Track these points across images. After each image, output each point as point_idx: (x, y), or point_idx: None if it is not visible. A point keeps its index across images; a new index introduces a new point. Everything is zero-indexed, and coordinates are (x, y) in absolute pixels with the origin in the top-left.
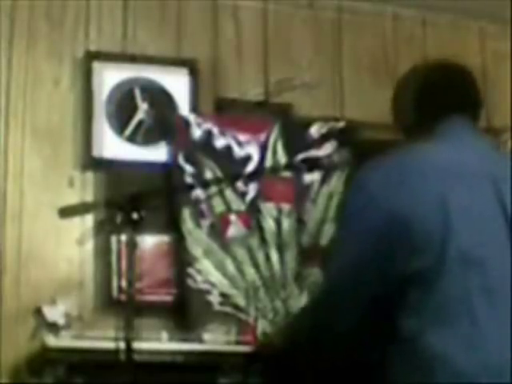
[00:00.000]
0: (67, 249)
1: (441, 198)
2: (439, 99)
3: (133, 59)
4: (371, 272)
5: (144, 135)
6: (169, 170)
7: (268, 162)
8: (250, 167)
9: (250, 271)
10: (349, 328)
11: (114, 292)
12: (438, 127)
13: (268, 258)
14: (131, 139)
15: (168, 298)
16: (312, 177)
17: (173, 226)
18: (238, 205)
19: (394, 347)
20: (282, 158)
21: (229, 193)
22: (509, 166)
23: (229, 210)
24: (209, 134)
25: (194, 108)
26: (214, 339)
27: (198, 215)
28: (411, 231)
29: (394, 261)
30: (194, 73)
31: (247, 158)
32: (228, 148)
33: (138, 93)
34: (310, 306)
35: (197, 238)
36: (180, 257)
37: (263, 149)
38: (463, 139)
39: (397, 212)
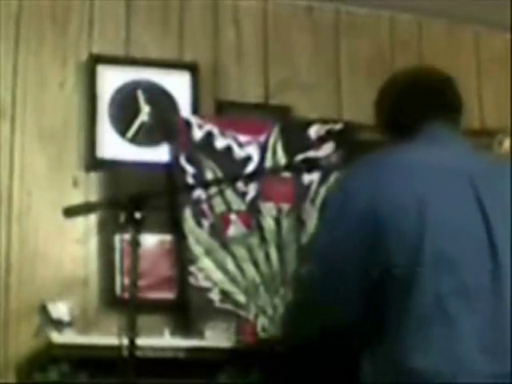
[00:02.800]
0: (71, 247)
1: (418, 198)
2: (419, 104)
3: (135, 62)
4: (350, 271)
5: (146, 136)
6: (170, 170)
7: (268, 163)
8: (250, 168)
9: (250, 269)
10: (337, 326)
11: (118, 290)
12: (418, 130)
13: (268, 256)
14: (134, 140)
15: (170, 296)
16: (311, 177)
17: (174, 225)
18: (238, 205)
19: (374, 346)
20: (282, 159)
21: (229, 193)
22: (489, 167)
23: (229, 209)
24: (209, 135)
25: (195, 110)
26: (215, 335)
27: (199, 215)
28: (387, 231)
29: (371, 260)
30: (195, 75)
31: (247, 159)
32: (228, 149)
33: (140, 95)
34: (296, 302)
35: (198, 237)
36: (182, 255)
37: (263, 149)
38: (441, 141)
39: (373, 211)
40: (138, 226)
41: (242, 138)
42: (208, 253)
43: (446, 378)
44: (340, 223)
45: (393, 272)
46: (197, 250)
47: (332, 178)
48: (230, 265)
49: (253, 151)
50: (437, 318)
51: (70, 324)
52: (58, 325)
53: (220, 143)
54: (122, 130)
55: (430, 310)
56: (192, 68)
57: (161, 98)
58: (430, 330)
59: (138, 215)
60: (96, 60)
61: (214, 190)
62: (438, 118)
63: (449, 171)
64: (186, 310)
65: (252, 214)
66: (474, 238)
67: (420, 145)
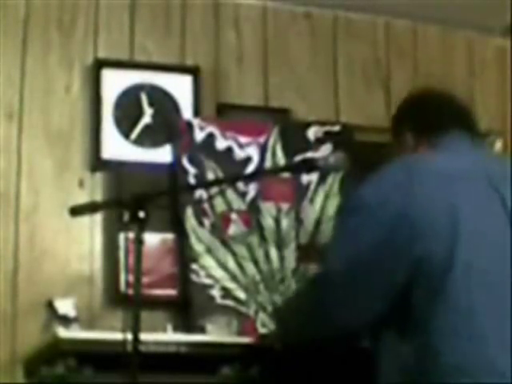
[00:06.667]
0: (77, 246)
1: (449, 206)
2: (438, 117)
3: (139, 66)
4: (376, 275)
5: (150, 138)
6: (173, 170)
7: (268, 163)
8: (251, 168)
9: (251, 267)
10: (360, 323)
11: (122, 287)
12: (438, 140)
13: (267, 254)
14: (138, 142)
15: (173, 292)
16: (309, 177)
17: (177, 224)
18: (238, 204)
19: (398, 348)
20: (281, 160)
21: (230, 193)
22: (505, 168)
23: (230, 209)
24: (211, 137)
25: (197, 112)
26: (217, 331)
27: (201, 214)
28: (419, 237)
29: (400, 265)
30: (196, 79)
31: (248, 159)
32: (229, 150)
33: (144, 98)
34: (314, 299)
35: (199, 235)
36: (184, 253)
37: (263, 150)
38: (462, 149)
39: (406, 217)
40: (142, 225)
41: (243, 140)
42: (209, 251)
43: (472, 378)
44: (370, 225)
45: (424, 277)
46: (198, 248)
47: (331, 178)
48: (231, 263)
49: (253, 152)
50: (468, 320)
51: (75, 320)
52: (65, 320)
53: (221, 144)
54: (126, 132)
55: (461, 311)
56: (193, 71)
57: (163, 101)
58: (460, 331)
59: (141, 214)
60: (101, 64)
61: (214, 189)
62: (455, 128)
63: (473, 177)
64: (188, 307)
65: (252, 213)
66: (504, 243)
67: (440, 152)
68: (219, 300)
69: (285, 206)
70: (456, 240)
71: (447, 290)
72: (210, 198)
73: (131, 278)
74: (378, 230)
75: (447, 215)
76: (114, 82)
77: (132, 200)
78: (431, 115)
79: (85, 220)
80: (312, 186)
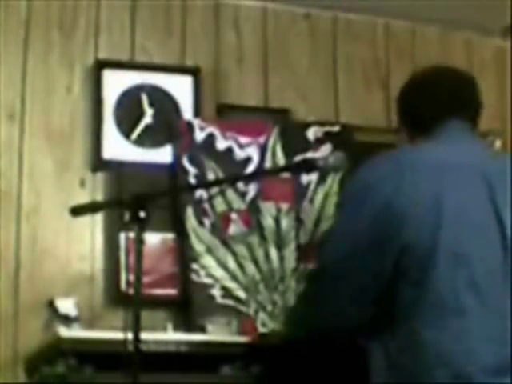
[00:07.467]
0: (78, 245)
1: (435, 196)
2: (436, 102)
3: (140, 67)
4: (366, 261)
5: (150, 138)
6: (173, 171)
7: (267, 163)
8: (251, 168)
9: (250, 267)
10: (353, 317)
11: (123, 286)
12: (436, 129)
13: (267, 254)
14: (138, 142)
15: (173, 292)
16: (309, 177)
17: (177, 224)
18: (238, 204)
19: (386, 340)
20: (281, 160)
21: (230, 192)
22: (503, 165)
23: (230, 209)
24: (211, 137)
25: (197, 112)
26: (217, 330)
27: (201, 214)
28: (404, 226)
29: (389, 248)
30: (196, 79)
31: (248, 160)
32: (229, 150)
33: (144, 98)
34: (309, 295)
35: (200, 235)
36: (184, 253)
37: (263, 150)
38: (459, 140)
39: (392, 205)
40: (142, 225)
41: (243, 140)
42: (209, 251)
43: (455, 370)
44: (359, 215)
45: (408, 267)
46: (198, 247)
47: (331, 178)
48: (231, 262)
49: (253, 152)
50: (451, 310)
51: (76, 319)
52: (66, 320)
53: (221, 144)
54: (127, 132)
55: (444, 302)
56: (194, 72)
57: (164, 101)
58: (443, 322)
59: (141, 214)
60: (102, 65)
61: (215, 189)
62: (454, 116)
63: (464, 169)
64: (188, 306)
65: (252, 213)
66: (487, 234)
67: (437, 143)
68: (219, 299)
69: (285, 206)
70: (439, 230)
71: (431, 281)
72: (210, 198)
73: (132, 278)
74: (367, 217)
75: (432, 205)
76: (115, 83)
77: (132, 200)
78: (424, 109)
79: (86, 220)
80: (312, 186)
